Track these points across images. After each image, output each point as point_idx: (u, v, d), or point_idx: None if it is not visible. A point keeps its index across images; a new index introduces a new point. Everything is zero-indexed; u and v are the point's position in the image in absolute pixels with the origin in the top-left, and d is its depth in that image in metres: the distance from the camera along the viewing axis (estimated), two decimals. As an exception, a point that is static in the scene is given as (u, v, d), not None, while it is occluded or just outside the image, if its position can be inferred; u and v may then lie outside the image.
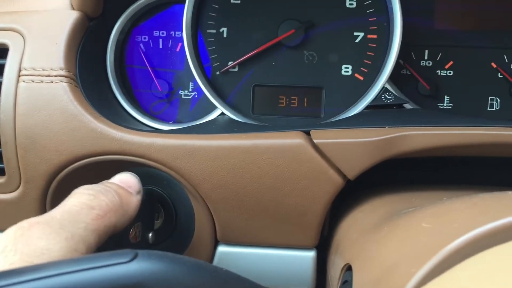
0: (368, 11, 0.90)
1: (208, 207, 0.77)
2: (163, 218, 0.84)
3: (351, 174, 0.72)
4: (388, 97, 0.85)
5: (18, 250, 0.45)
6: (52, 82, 0.75)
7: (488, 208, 0.48)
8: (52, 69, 0.76)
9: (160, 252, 0.44)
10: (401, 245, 0.51)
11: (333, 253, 0.73)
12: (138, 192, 0.61)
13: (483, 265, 0.39)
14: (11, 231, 0.47)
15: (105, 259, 0.41)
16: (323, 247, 0.79)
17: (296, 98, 0.93)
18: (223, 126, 0.84)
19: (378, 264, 0.51)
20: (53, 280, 0.38)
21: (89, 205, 0.52)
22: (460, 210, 0.50)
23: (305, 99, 0.92)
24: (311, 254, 0.79)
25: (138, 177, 0.63)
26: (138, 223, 0.74)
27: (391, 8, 0.87)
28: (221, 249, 0.80)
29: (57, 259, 0.45)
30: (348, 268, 0.60)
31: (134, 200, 0.59)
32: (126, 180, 0.61)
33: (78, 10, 0.81)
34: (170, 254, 0.45)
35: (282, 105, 0.93)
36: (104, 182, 0.61)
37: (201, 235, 0.81)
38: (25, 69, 0.76)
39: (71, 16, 0.80)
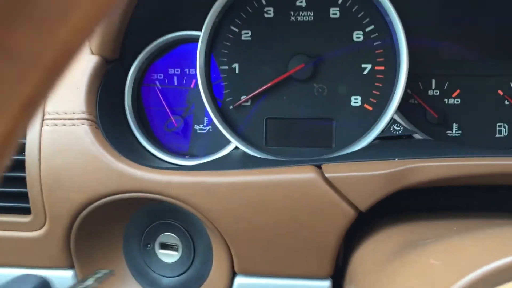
0: (374, 43, 0.93)
1: (225, 240, 0.79)
2: (181, 251, 0.87)
3: (363, 206, 0.74)
4: (396, 128, 0.88)
5: None
6: (74, 125, 0.79)
7: (495, 245, 0.50)
8: (74, 113, 0.80)
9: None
10: (410, 281, 0.53)
11: (348, 284, 0.75)
12: None
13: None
14: None
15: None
16: (338, 276, 0.81)
17: (308, 130, 0.95)
18: (237, 161, 0.87)
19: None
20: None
21: None
22: (468, 246, 0.52)
23: (317, 131, 0.95)
24: (326, 284, 0.80)
25: None
26: None
27: (397, 39, 0.89)
28: (239, 280, 0.82)
29: None
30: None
31: None
32: None
33: (97, 54, 0.85)
34: None
35: (294, 136, 0.96)
36: None
37: (219, 267, 0.84)
38: (49, 113, 0.80)
39: (90, 61, 0.84)
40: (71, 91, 0.82)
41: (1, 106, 0.18)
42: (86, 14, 0.19)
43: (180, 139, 0.98)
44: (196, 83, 0.94)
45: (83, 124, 0.79)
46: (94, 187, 0.78)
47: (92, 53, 0.86)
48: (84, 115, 0.80)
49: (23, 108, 0.19)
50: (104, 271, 0.77)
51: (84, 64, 0.84)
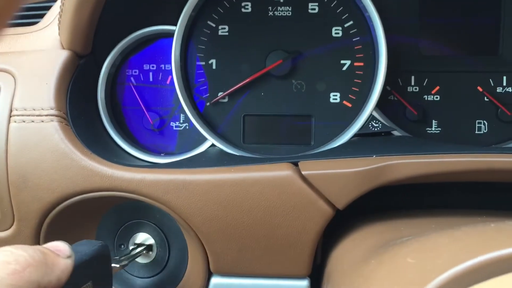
0: (354, 39, 0.92)
1: (200, 240, 0.77)
2: (156, 251, 0.85)
3: (340, 204, 0.73)
4: (375, 125, 0.86)
5: None
6: (43, 121, 0.76)
7: (471, 243, 0.49)
8: (42, 109, 0.77)
9: None
10: (387, 280, 0.51)
11: (325, 283, 0.74)
12: (68, 256, 0.57)
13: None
14: None
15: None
16: (316, 275, 0.80)
17: (286, 127, 0.94)
18: (213, 159, 0.85)
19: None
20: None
21: (5, 261, 0.50)
22: (444, 245, 0.51)
23: (295, 127, 0.93)
24: (304, 284, 0.79)
25: (69, 245, 0.59)
26: (89, 283, 0.67)
27: (375, 35, 0.88)
28: (215, 280, 0.80)
29: None
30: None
31: (62, 262, 0.56)
32: (55, 245, 0.58)
33: (68, 49, 0.83)
34: None
35: (272, 133, 0.94)
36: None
37: (194, 267, 0.82)
38: (16, 109, 0.77)
39: (61, 56, 0.81)
40: (40, 86, 0.79)
41: None
42: None
43: (155, 137, 0.96)
44: (172, 79, 0.92)
45: (52, 121, 0.77)
46: (63, 186, 0.75)
47: (63, 48, 0.83)
48: (53, 111, 0.77)
49: None
50: None
51: (54, 59, 0.81)
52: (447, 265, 0.45)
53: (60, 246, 0.57)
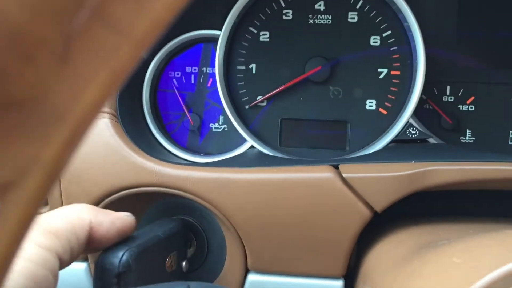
0: (391, 48, 0.95)
1: (240, 237, 0.80)
2: (195, 247, 0.88)
3: (379, 207, 0.75)
4: (412, 132, 0.89)
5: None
6: (95, 118, 0.80)
7: (516, 244, 0.51)
8: (95, 106, 0.80)
9: (209, 284, 0.47)
10: (434, 279, 0.53)
11: (361, 283, 0.76)
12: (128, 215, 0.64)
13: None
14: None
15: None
16: (350, 276, 0.82)
17: (322, 132, 0.96)
18: (254, 159, 0.88)
19: (410, 297, 0.54)
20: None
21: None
22: (490, 246, 0.53)
23: (331, 133, 0.96)
24: (339, 284, 0.81)
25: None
26: (174, 252, 0.78)
27: (414, 45, 0.91)
28: (252, 277, 0.83)
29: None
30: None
31: (127, 219, 0.63)
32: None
33: (118, 50, 0.86)
34: (217, 286, 0.48)
35: (309, 138, 0.97)
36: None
37: (232, 264, 0.85)
38: (70, 106, 0.81)
39: (112, 56, 0.85)
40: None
41: (94, 72, 0.19)
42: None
43: (195, 137, 0.99)
44: (214, 82, 0.96)
45: (103, 118, 0.80)
46: (112, 180, 0.79)
47: (114, 49, 0.87)
48: (105, 109, 0.81)
49: (112, 77, 0.19)
50: None
51: (106, 59, 0.84)
52: (494, 264, 0.47)
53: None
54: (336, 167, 0.78)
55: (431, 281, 0.53)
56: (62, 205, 0.81)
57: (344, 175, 0.76)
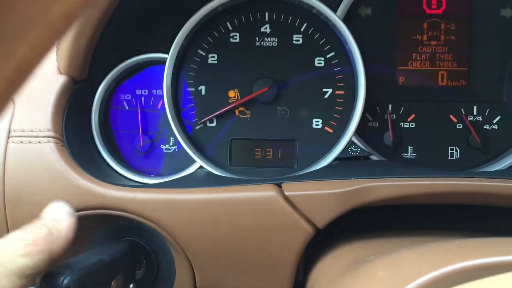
0: (335, 69, 0.98)
1: (187, 257, 0.81)
2: (145, 268, 0.88)
3: (320, 223, 0.77)
4: (354, 149, 0.92)
5: None
6: (39, 142, 0.80)
7: (435, 257, 0.53)
8: (40, 131, 0.81)
9: None
10: (360, 292, 0.56)
11: (306, 299, 0.78)
12: (69, 216, 0.67)
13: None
14: None
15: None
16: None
17: (271, 150, 0.99)
18: (201, 180, 0.89)
19: (341, 311, 0.56)
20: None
21: (17, 238, 0.59)
22: (412, 259, 0.56)
23: (279, 151, 0.98)
24: (286, 300, 0.82)
25: (66, 204, 0.69)
26: (120, 275, 0.78)
27: (355, 66, 0.94)
28: (201, 296, 0.84)
29: None
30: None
31: (65, 225, 0.66)
32: (54, 210, 0.68)
33: (65, 74, 0.87)
34: None
35: (258, 156, 0.99)
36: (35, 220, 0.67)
37: (181, 284, 0.85)
38: (15, 131, 0.81)
39: (58, 81, 0.86)
40: (38, 109, 0.83)
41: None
42: (42, 33, 0.21)
43: (146, 159, 1.00)
44: (163, 104, 0.97)
45: (48, 142, 0.81)
46: (58, 204, 0.79)
47: (60, 73, 0.88)
48: (50, 133, 0.81)
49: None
50: None
51: (52, 83, 0.85)
52: (413, 276, 0.50)
53: (60, 210, 0.68)
54: (280, 186, 0.80)
55: (360, 295, 0.56)
56: (7, 228, 0.81)
57: (286, 193, 0.78)
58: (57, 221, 0.66)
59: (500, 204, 0.83)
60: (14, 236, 0.60)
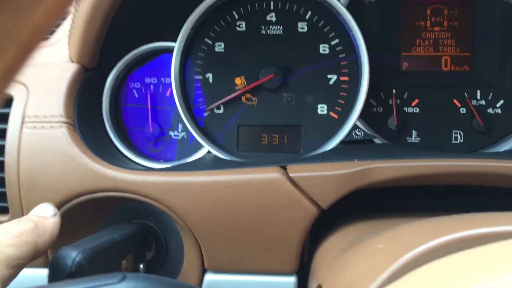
0: (339, 56, 1.00)
1: (196, 238, 0.83)
2: (154, 250, 0.91)
3: (324, 204, 0.79)
4: (358, 133, 0.94)
5: None
6: (52, 128, 0.83)
7: (432, 229, 0.55)
8: (53, 116, 0.84)
9: (146, 275, 0.51)
10: (360, 264, 0.58)
11: (311, 278, 0.80)
12: (53, 215, 0.71)
13: (420, 276, 0.47)
14: None
15: (95, 281, 0.48)
16: (304, 272, 0.86)
17: (277, 136, 1.01)
18: (209, 164, 0.92)
19: (342, 281, 0.59)
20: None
21: (3, 230, 0.62)
22: (410, 232, 0.58)
23: (285, 137, 1.00)
24: (292, 280, 0.85)
25: (51, 204, 0.73)
26: (130, 255, 0.81)
27: (359, 53, 0.96)
28: (209, 277, 0.86)
29: None
30: (321, 288, 0.67)
31: (51, 222, 0.69)
32: (40, 209, 0.71)
33: (76, 62, 0.90)
34: (155, 276, 0.52)
35: (264, 142, 1.01)
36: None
37: (190, 265, 0.88)
38: (28, 117, 0.85)
39: (69, 69, 0.89)
40: (51, 96, 0.86)
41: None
42: (56, 2, 0.24)
43: (156, 145, 1.03)
44: (171, 92, 1.00)
45: (61, 127, 0.84)
46: (70, 187, 0.82)
47: (72, 61, 0.91)
48: (62, 119, 0.84)
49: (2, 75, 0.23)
50: None
51: (64, 72, 0.88)
52: (411, 246, 0.52)
53: (45, 209, 0.71)
54: (285, 168, 0.82)
55: (360, 267, 0.58)
56: (22, 212, 0.84)
57: (291, 174, 0.80)
58: (43, 218, 0.69)
59: (503, 185, 0.84)
60: (1, 228, 0.63)
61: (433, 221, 0.59)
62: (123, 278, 0.49)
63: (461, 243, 0.51)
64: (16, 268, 0.59)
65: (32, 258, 0.62)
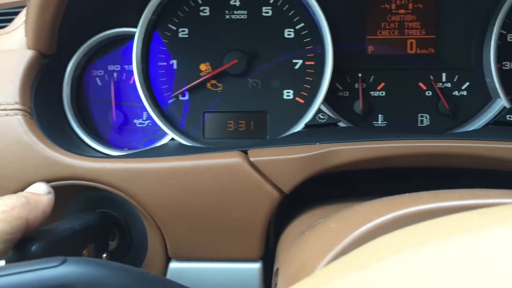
0: (305, 40, 0.99)
1: (158, 226, 0.82)
2: (118, 239, 0.90)
3: (286, 188, 0.78)
4: (322, 117, 0.93)
5: None
6: (7, 115, 0.81)
7: (383, 207, 0.55)
8: (7, 104, 0.82)
9: (87, 258, 0.50)
10: (313, 244, 0.57)
11: (275, 264, 0.79)
12: (47, 193, 0.70)
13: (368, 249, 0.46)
14: None
15: (36, 264, 0.46)
16: (269, 259, 0.85)
17: (244, 122, 1.00)
18: (172, 150, 0.90)
19: (296, 262, 0.58)
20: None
21: None
22: (361, 211, 0.57)
23: (252, 123, 0.99)
24: (256, 266, 0.84)
25: (45, 183, 0.72)
26: (91, 244, 0.80)
27: (323, 37, 0.95)
28: (173, 265, 0.85)
29: None
30: (278, 272, 0.66)
31: (44, 198, 0.68)
32: (35, 187, 0.71)
33: (33, 49, 0.88)
34: (97, 259, 0.51)
35: (231, 129, 1.00)
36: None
37: (154, 253, 0.87)
38: (-17, 105, 0.83)
39: (26, 55, 0.86)
40: (6, 83, 0.84)
41: None
42: None
43: (120, 134, 1.01)
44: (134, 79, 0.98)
45: (16, 115, 0.82)
46: (27, 175, 0.80)
47: (29, 48, 0.88)
48: (17, 106, 0.82)
49: None
50: None
51: (19, 58, 0.86)
52: (360, 224, 0.51)
53: (39, 187, 0.70)
54: (246, 153, 0.81)
55: (312, 246, 0.57)
56: (-21, 202, 0.82)
57: (251, 159, 0.79)
58: (35, 195, 0.68)
59: (469, 166, 0.84)
60: None
61: (384, 200, 0.58)
62: (63, 261, 0.47)
63: (409, 218, 0.50)
64: (7, 243, 0.58)
65: (23, 233, 0.62)
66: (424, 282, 0.28)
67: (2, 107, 0.82)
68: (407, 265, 0.31)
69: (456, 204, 0.48)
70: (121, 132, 1.01)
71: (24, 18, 0.92)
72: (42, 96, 0.88)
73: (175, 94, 0.99)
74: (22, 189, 0.79)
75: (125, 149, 0.99)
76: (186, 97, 1.00)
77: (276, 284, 0.64)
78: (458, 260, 0.30)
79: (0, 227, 0.58)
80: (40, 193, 0.69)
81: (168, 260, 0.86)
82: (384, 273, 0.31)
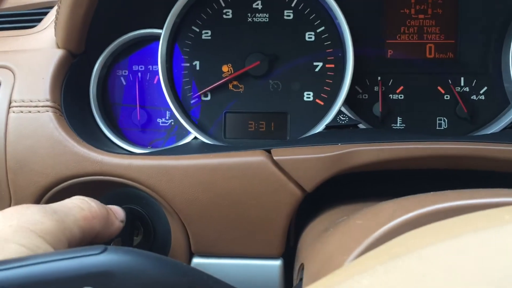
0: (325, 43, 1.01)
1: (182, 222, 0.84)
2: (142, 235, 0.92)
3: (308, 186, 0.80)
4: (342, 118, 0.95)
5: (15, 217, 0.53)
6: (39, 112, 0.84)
7: (409, 205, 0.56)
8: (39, 101, 0.85)
9: (126, 248, 0.52)
10: (339, 239, 0.59)
11: (296, 260, 0.81)
12: (121, 221, 0.71)
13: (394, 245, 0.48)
14: (11, 207, 0.56)
15: (79, 252, 0.49)
16: (290, 256, 0.87)
17: (264, 123, 1.02)
18: (195, 148, 0.92)
19: (321, 258, 0.60)
20: (33, 268, 0.46)
21: (80, 207, 0.61)
22: (388, 208, 0.59)
23: (272, 124, 1.01)
24: (277, 263, 0.85)
25: (124, 211, 0.73)
26: (118, 238, 0.82)
27: (344, 40, 0.97)
28: (196, 261, 0.87)
29: (48, 231, 0.53)
30: (303, 267, 0.68)
31: (117, 223, 0.69)
32: (115, 209, 0.71)
33: (62, 48, 0.91)
34: (136, 249, 0.53)
35: (252, 129, 1.02)
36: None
37: (177, 249, 0.89)
38: (15, 101, 0.85)
39: (56, 54, 0.89)
40: (37, 81, 0.87)
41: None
42: None
43: (143, 132, 1.03)
44: (159, 79, 1.00)
45: (47, 111, 0.84)
46: (57, 171, 0.83)
47: (58, 47, 0.91)
48: (48, 103, 0.85)
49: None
50: None
51: (50, 57, 0.89)
52: (388, 220, 0.53)
53: (118, 211, 0.71)
54: (269, 152, 0.83)
55: (338, 242, 0.59)
56: (10, 195, 0.85)
57: (275, 157, 0.81)
58: (115, 216, 0.69)
59: (490, 168, 0.85)
60: (78, 203, 0.62)
61: (411, 198, 0.60)
62: (104, 250, 0.49)
63: (437, 214, 0.52)
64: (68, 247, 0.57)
65: (86, 244, 0.60)
66: (463, 269, 0.30)
67: (34, 104, 0.85)
68: (444, 254, 0.33)
69: (484, 201, 0.50)
70: (144, 131, 1.03)
71: (53, 18, 0.95)
72: (70, 94, 0.90)
73: (197, 94, 1.02)
74: (52, 184, 0.83)
75: (148, 147, 1.01)
76: (208, 97, 1.03)
77: (301, 279, 0.66)
78: (494, 252, 0.31)
79: (75, 231, 0.57)
80: (117, 218, 0.69)
81: (191, 255, 0.88)
82: (424, 261, 0.32)
